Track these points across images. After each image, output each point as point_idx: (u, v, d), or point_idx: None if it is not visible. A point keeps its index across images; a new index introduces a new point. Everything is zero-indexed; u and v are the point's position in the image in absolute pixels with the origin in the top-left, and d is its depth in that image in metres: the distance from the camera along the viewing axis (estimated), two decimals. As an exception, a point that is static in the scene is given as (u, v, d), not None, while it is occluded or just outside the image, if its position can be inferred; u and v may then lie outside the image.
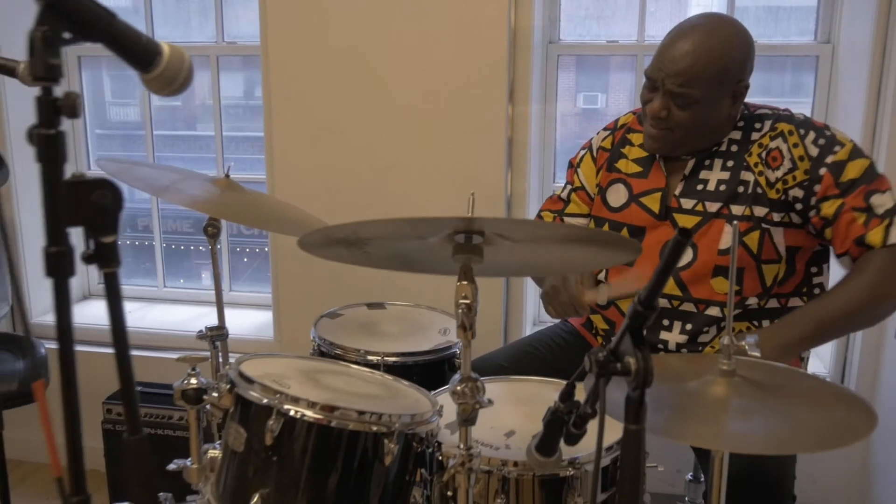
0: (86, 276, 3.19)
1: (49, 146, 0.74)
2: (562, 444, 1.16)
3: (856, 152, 1.63)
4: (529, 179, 2.54)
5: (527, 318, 2.67)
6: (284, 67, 2.54)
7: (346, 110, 2.52)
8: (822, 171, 1.61)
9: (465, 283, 1.08)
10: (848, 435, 1.05)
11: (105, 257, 0.80)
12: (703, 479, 2.01)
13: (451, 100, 2.44)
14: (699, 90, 1.61)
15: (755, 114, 1.73)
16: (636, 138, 1.85)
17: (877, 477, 2.37)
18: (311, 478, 1.27)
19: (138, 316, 3.04)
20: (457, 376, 1.14)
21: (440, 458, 1.41)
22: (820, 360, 2.55)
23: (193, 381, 1.57)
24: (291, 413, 1.25)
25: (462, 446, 1.16)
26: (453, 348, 1.94)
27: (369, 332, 2.03)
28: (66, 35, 0.74)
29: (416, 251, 1.20)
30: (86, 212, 0.77)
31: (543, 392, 1.67)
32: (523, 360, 1.88)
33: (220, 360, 1.91)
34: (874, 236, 1.57)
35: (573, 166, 1.96)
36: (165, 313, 3.07)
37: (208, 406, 1.42)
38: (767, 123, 1.70)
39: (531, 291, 2.66)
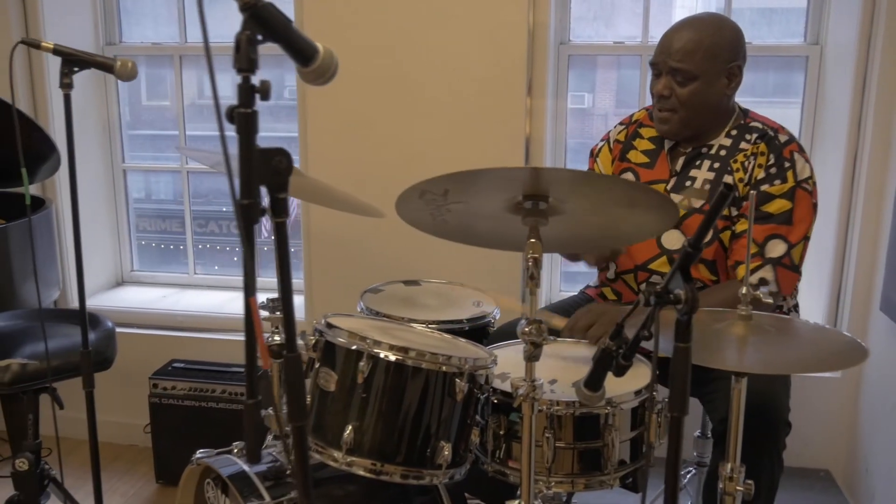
0: (119, 264, 3.38)
1: (247, 122, 0.96)
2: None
3: (789, 193, 1.84)
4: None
5: (541, 290, 2.90)
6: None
7: (375, 105, 2.74)
8: (752, 192, 1.83)
9: (533, 240, 1.32)
10: (845, 361, 1.30)
11: (278, 209, 1.01)
12: (709, 435, 2.26)
13: (474, 95, 2.67)
14: (695, 65, 1.86)
15: (749, 125, 1.95)
16: (646, 132, 2.09)
17: (863, 439, 2.63)
18: (395, 411, 1.50)
19: (173, 300, 3.24)
20: (523, 321, 1.38)
21: (495, 401, 1.65)
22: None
23: (277, 337, 1.78)
24: (381, 356, 1.48)
25: (528, 379, 1.39)
26: (487, 318, 2.17)
27: (411, 304, 2.26)
28: (259, 37, 0.96)
29: (487, 222, 1.43)
30: (267, 173, 0.99)
31: (574, 349, 1.91)
32: (546, 323, 2.12)
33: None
34: (741, 271, 1.80)
35: (593, 156, 2.20)
36: (196, 298, 3.28)
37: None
38: (754, 137, 1.93)
39: (547, 267, 2.90)
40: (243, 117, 0.96)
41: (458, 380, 1.51)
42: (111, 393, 2.81)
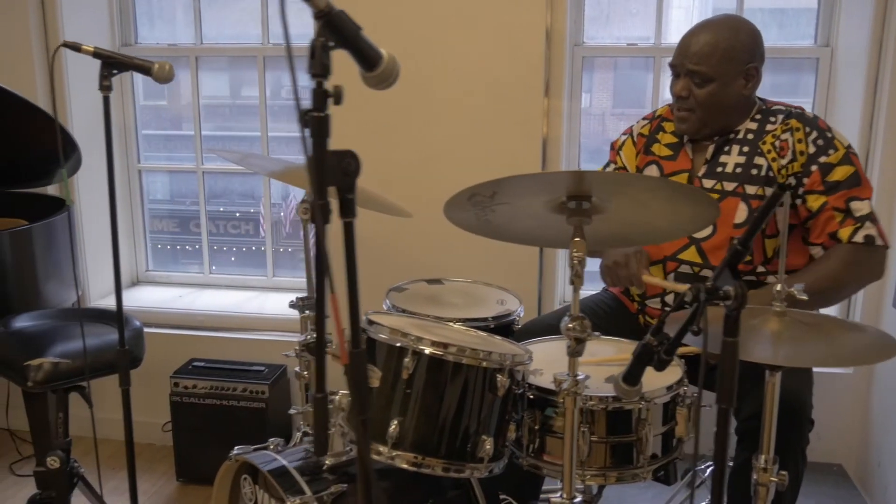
0: (135, 264, 3.41)
1: (320, 125, 0.99)
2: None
3: (845, 159, 1.92)
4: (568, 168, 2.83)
5: (557, 289, 2.95)
6: (338, 67, 2.78)
7: (395, 107, 2.77)
8: (814, 168, 1.91)
9: (577, 240, 1.36)
10: (877, 355, 1.35)
11: (347, 209, 1.05)
12: (729, 431, 2.30)
13: (492, 97, 2.71)
14: (712, 67, 1.92)
15: (771, 109, 2.03)
16: (669, 126, 2.14)
17: (875, 434, 2.68)
18: (439, 406, 1.53)
19: (189, 300, 3.26)
20: (566, 317, 1.42)
21: (531, 396, 1.69)
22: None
23: (315, 334, 1.82)
24: (427, 352, 1.52)
25: (571, 374, 1.43)
26: (512, 316, 2.21)
27: (436, 302, 2.29)
28: (331, 44, 1.00)
29: (529, 221, 1.47)
30: (338, 175, 1.03)
31: (602, 347, 1.95)
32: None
33: (309, 325, 2.15)
34: (844, 233, 1.89)
35: (615, 149, 2.25)
36: (213, 298, 3.30)
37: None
38: (780, 118, 1.99)
39: (561, 265, 2.94)
40: (316, 120, 0.99)
41: (499, 375, 1.55)
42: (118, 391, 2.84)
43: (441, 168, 2.77)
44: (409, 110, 2.76)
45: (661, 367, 1.39)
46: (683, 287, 1.96)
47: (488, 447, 1.56)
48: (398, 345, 1.55)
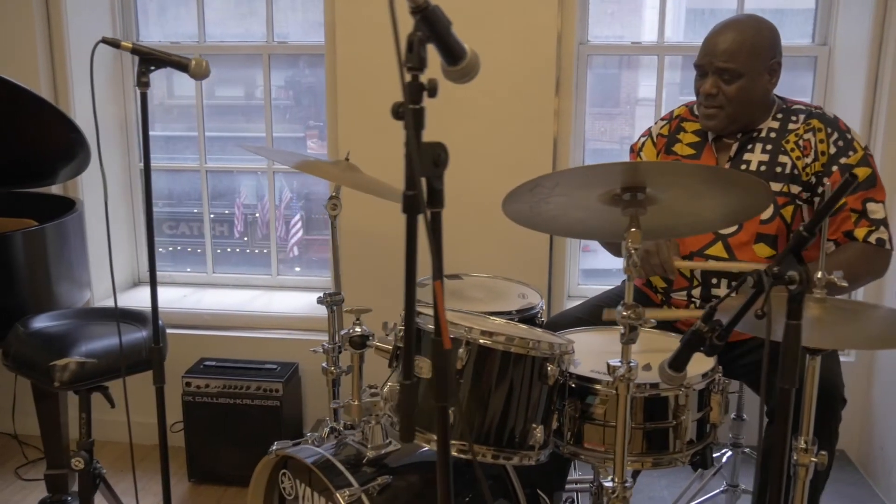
0: (136, 264, 3.38)
1: (416, 117, 1.02)
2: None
3: (864, 160, 2.01)
4: (574, 166, 2.87)
5: (566, 283, 2.99)
6: (351, 65, 2.80)
7: (407, 105, 2.79)
8: (834, 168, 1.99)
9: (633, 230, 1.40)
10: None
11: (435, 199, 1.07)
12: (745, 418, 2.37)
13: (505, 96, 2.74)
14: (741, 64, 1.98)
15: (791, 108, 2.10)
16: (689, 126, 2.20)
17: (877, 419, 2.78)
18: (492, 395, 1.57)
19: (195, 300, 3.25)
20: (620, 306, 1.46)
21: (572, 385, 1.73)
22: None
23: (358, 329, 1.83)
24: (481, 342, 1.55)
25: (624, 361, 1.48)
26: (535, 309, 2.25)
27: (459, 297, 2.32)
28: (426, 37, 1.02)
29: (578, 212, 1.51)
30: (428, 166, 1.05)
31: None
32: (597, 313, 2.19)
33: (336, 321, 2.16)
34: (859, 232, 1.99)
35: (634, 151, 2.30)
36: (218, 297, 3.29)
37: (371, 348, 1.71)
38: (802, 117, 2.07)
39: (570, 259, 2.99)
40: (412, 113, 1.02)
41: (549, 364, 1.58)
42: (133, 393, 2.82)
43: (456, 166, 2.79)
44: (427, 109, 2.78)
45: (713, 351, 1.43)
46: (719, 265, 2.04)
47: (539, 435, 1.59)
48: (452, 336, 1.57)
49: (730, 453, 2.40)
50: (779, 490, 1.24)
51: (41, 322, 2.30)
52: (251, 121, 3.32)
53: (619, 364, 1.47)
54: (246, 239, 3.43)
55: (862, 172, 1.99)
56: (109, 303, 3.13)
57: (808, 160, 2.01)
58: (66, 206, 2.72)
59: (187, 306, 3.17)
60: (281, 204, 3.37)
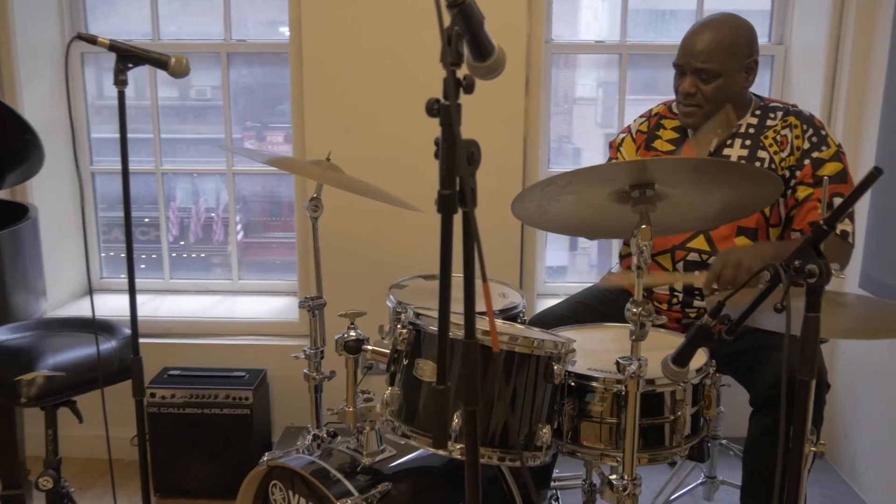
0: (86, 273, 3.23)
1: (452, 114, 0.99)
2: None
3: (836, 156, 2.05)
4: (540, 165, 2.88)
5: (536, 281, 2.99)
6: (318, 64, 2.74)
7: (376, 104, 2.75)
8: (806, 162, 2.04)
9: (644, 227, 1.40)
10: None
11: (469, 199, 1.04)
12: (722, 409, 2.39)
13: (476, 95, 2.72)
14: (718, 63, 2.01)
15: (769, 106, 2.14)
16: (668, 123, 2.23)
17: (840, 406, 2.86)
18: (501, 397, 1.54)
19: (153, 307, 3.13)
20: (630, 303, 1.46)
21: (571, 384, 1.72)
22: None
23: (352, 333, 1.78)
24: (487, 344, 1.52)
25: (635, 358, 1.48)
26: (517, 308, 2.24)
27: (437, 297, 2.28)
28: (461, 32, 0.99)
29: (585, 210, 1.50)
30: (462, 164, 1.02)
31: (618, 333, 2.01)
32: (580, 310, 2.21)
33: (318, 325, 2.11)
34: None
35: (614, 147, 2.31)
36: (177, 304, 3.17)
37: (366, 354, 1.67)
38: (780, 114, 2.11)
39: (540, 257, 2.99)
40: (449, 109, 0.99)
41: (555, 364, 1.57)
42: (87, 406, 2.70)
43: (423, 166, 2.75)
44: (386, 107, 2.75)
45: (721, 347, 1.44)
46: (683, 277, 2.07)
47: (547, 435, 1.58)
48: (453, 337, 1.54)
49: (708, 444, 2.43)
50: (797, 484, 1.26)
51: (2, 335, 2.17)
52: (185, 122, 3.21)
53: (629, 361, 1.47)
54: (182, 243, 3.31)
55: (833, 167, 2.04)
56: (63, 312, 3.00)
57: (784, 154, 2.06)
58: (19, 211, 2.57)
59: (146, 314, 3.05)
60: (219, 207, 3.29)
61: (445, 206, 1.00)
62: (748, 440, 1.96)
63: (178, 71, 1.74)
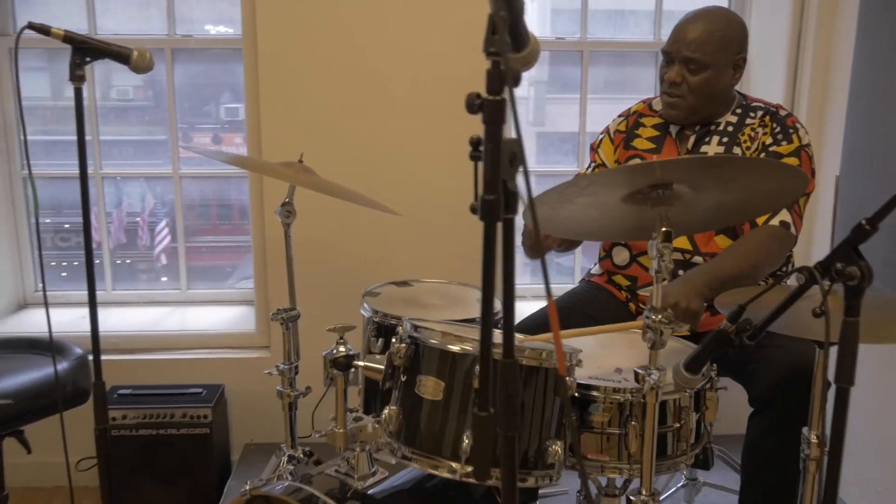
0: (22, 284, 2.99)
1: (496, 110, 0.88)
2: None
3: (795, 152, 2.01)
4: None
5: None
6: (274, 60, 2.59)
7: (337, 102, 2.61)
8: (762, 154, 2.00)
9: (664, 230, 1.33)
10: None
11: (511, 204, 0.94)
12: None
13: (440, 92, 2.62)
14: (708, 55, 1.97)
15: (751, 105, 2.11)
16: (648, 121, 2.18)
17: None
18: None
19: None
20: (648, 310, 1.38)
21: (576, 395, 1.64)
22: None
23: (342, 348, 1.65)
24: (496, 358, 1.41)
25: (652, 369, 1.40)
26: (498, 314, 2.14)
27: (416, 304, 2.17)
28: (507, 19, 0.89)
29: (594, 212, 1.42)
30: (505, 166, 0.92)
31: (615, 338, 1.94)
32: (564, 315, 2.13)
33: (292, 339, 1.97)
34: (760, 219, 1.97)
35: (594, 149, 2.25)
36: (122, 317, 2.97)
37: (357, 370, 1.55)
38: (759, 114, 2.08)
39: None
40: (493, 105, 0.89)
41: (567, 377, 1.49)
42: (37, 431, 2.49)
43: (386, 164, 2.65)
44: (349, 105, 2.62)
45: (740, 352, 1.38)
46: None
47: (559, 452, 1.49)
48: (462, 350, 1.44)
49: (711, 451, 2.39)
50: (834, 489, 1.21)
51: (-65, 360, 1.96)
52: (107, 123, 3.00)
53: (649, 371, 1.40)
54: (99, 251, 3.11)
55: (789, 162, 1.98)
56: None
57: (752, 150, 2.03)
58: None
59: (84, 329, 2.82)
60: (144, 211, 3.11)
61: (489, 213, 0.90)
62: (747, 441, 1.92)
63: (142, 65, 1.58)
